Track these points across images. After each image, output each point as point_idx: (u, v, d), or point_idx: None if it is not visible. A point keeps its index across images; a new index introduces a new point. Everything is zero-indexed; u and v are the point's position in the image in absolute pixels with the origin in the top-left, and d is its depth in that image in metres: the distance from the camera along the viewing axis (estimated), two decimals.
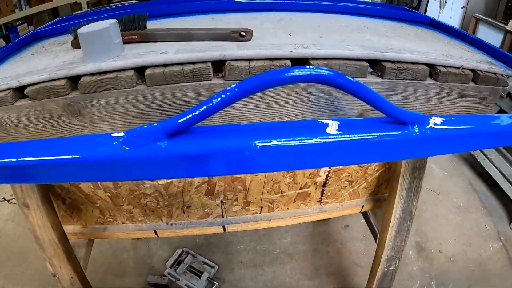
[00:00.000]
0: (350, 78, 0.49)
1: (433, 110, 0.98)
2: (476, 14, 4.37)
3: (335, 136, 0.50)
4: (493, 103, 1.03)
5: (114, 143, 0.46)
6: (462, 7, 4.57)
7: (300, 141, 0.48)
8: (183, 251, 2.06)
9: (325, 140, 0.50)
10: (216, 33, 0.88)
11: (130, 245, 2.15)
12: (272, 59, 0.79)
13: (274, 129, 0.53)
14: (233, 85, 0.48)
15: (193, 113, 0.47)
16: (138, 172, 0.47)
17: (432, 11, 5.37)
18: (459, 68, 0.93)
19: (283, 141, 0.48)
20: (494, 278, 1.97)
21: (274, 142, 0.48)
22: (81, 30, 0.79)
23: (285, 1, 1.32)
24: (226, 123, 0.83)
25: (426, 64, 0.90)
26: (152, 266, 2.02)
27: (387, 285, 1.55)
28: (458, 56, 1.00)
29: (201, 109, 0.46)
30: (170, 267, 1.97)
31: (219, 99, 0.47)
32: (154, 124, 0.46)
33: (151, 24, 1.01)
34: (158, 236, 1.41)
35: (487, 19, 4.18)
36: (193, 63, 0.78)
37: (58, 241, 1.19)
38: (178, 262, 2.00)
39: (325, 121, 0.54)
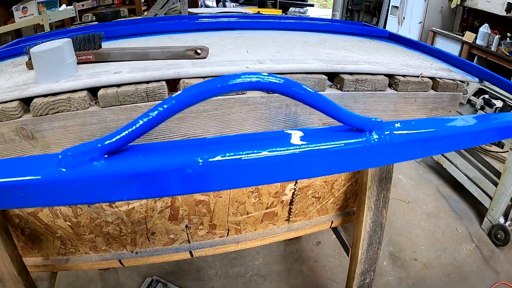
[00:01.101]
0: (301, 85, 0.47)
1: (396, 119, 0.99)
2: (433, 28, 4.59)
3: (284, 149, 0.46)
4: (454, 109, 1.05)
5: (50, 164, 0.42)
6: (420, 22, 4.79)
7: (247, 155, 0.45)
8: (152, 280, 1.96)
9: (274, 153, 0.46)
10: (172, 51, 0.85)
11: (98, 276, 2.03)
12: None
13: (221, 143, 0.50)
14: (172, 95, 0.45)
15: (130, 129, 0.42)
16: (78, 195, 0.43)
17: (391, 27, 5.62)
18: (418, 76, 0.94)
19: (228, 156, 0.44)
20: (472, 278, 1.99)
21: (218, 158, 0.44)
22: (33, 50, 0.76)
23: (245, 20, 1.32)
24: None
25: (385, 75, 0.90)
26: None
27: None
28: (417, 65, 1.02)
29: (138, 124, 0.43)
30: None
31: (156, 112, 0.43)
32: (90, 142, 0.42)
33: (109, 45, 0.99)
34: (123, 265, 1.33)
35: (444, 32, 4.41)
36: (147, 82, 0.75)
37: (18, 275, 1.12)
38: None
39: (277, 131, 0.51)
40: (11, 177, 0.42)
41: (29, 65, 0.89)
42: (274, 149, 0.46)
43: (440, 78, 0.97)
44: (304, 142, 0.48)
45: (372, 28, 1.58)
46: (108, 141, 0.42)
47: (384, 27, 5.92)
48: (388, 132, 0.51)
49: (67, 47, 0.78)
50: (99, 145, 0.42)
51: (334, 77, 0.88)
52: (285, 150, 0.47)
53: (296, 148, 0.47)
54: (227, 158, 0.44)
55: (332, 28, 1.45)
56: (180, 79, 0.76)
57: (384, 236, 2.29)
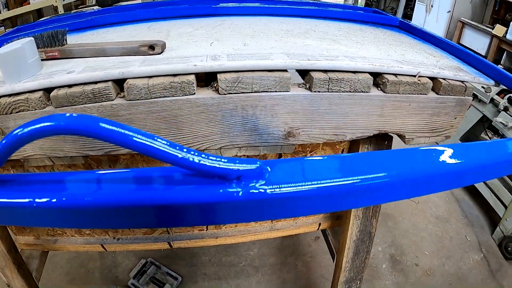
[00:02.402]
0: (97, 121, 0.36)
1: (382, 126, 0.89)
2: (462, 18, 4.28)
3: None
4: (461, 116, 0.92)
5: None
6: (448, 11, 4.49)
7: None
8: (147, 262, 1.99)
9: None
10: (126, 48, 0.83)
11: (97, 255, 2.08)
12: (174, 75, 0.72)
13: None
14: None
15: None
16: None
17: (418, 15, 5.30)
18: (415, 76, 0.84)
19: None
20: None
21: None
22: None
23: (232, 6, 1.24)
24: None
25: (370, 73, 0.80)
26: (117, 277, 1.95)
27: None
28: (417, 62, 0.91)
29: None
30: (133, 278, 1.90)
31: None
32: None
33: (81, 37, 1.00)
34: (106, 250, 1.36)
35: (473, 23, 4.10)
36: (95, 82, 0.74)
37: (8, 253, 1.19)
38: (141, 272, 1.94)
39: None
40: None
41: None
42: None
43: (443, 79, 0.85)
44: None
45: (382, 15, 1.45)
46: None
47: (411, 15, 5.57)
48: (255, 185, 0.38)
49: (28, 47, 0.79)
50: None
51: (304, 75, 0.80)
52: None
53: None
54: None
55: (334, 15, 1.35)
56: (126, 79, 0.73)
57: (388, 237, 2.20)
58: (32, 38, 0.82)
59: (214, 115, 0.74)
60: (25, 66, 0.79)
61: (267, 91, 0.74)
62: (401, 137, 0.95)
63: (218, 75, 0.71)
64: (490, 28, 3.79)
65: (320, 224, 1.38)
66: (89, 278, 1.95)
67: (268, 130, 0.80)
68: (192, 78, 0.70)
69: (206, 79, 0.79)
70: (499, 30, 3.56)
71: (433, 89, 0.86)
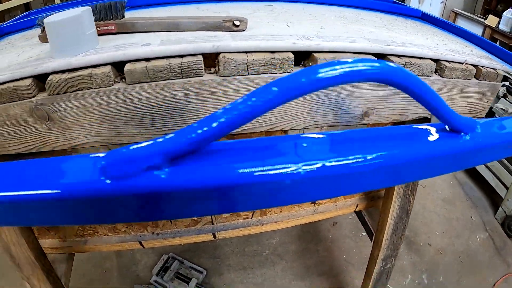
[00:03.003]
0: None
1: None
2: (455, 8, 4.44)
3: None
4: (492, 99, 1.01)
5: (87, 173, 0.29)
6: (441, 2, 4.63)
7: (355, 160, 0.36)
8: (169, 257, 1.97)
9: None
10: (206, 22, 0.78)
11: (113, 253, 2.03)
12: (272, 52, 0.71)
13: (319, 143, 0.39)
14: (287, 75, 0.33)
15: (214, 124, 0.30)
16: (125, 214, 0.30)
17: (412, 5, 5.41)
18: (462, 63, 0.89)
19: (339, 161, 0.34)
20: (483, 268, 1.98)
21: (318, 165, 0.34)
22: (48, 20, 0.67)
23: None
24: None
25: (432, 59, 0.85)
26: (137, 275, 1.92)
27: (383, 283, 1.52)
28: (459, 51, 0.97)
29: (225, 118, 0.30)
30: (157, 275, 1.87)
31: (255, 101, 0.30)
32: (147, 143, 0.29)
33: (130, 15, 0.90)
34: (143, 247, 1.32)
35: (466, 14, 4.26)
36: (181, 56, 0.68)
37: (36, 259, 1.07)
38: (164, 268, 1.91)
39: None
40: (23, 188, 0.29)
41: (43, 38, 0.82)
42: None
43: (482, 67, 0.92)
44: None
45: (404, 6, 1.51)
46: (177, 143, 0.29)
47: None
48: (479, 131, 0.45)
49: (86, 16, 0.69)
50: (161, 148, 0.29)
51: (380, 59, 0.83)
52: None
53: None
54: (334, 164, 0.35)
55: (363, 4, 1.38)
56: (219, 53, 0.69)
57: None
58: (90, 7, 0.72)
59: (308, 95, 0.75)
60: (82, 38, 0.68)
61: None
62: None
63: (316, 55, 0.72)
64: (483, 18, 3.94)
65: (357, 205, 1.42)
66: (107, 278, 1.91)
67: (349, 110, 0.82)
68: (291, 55, 0.70)
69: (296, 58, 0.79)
70: (491, 20, 3.71)
71: (474, 76, 0.92)
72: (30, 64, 0.68)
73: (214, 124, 0.30)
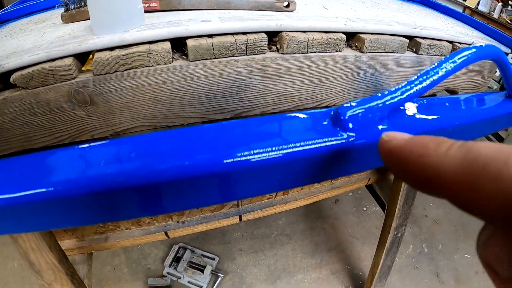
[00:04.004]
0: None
1: (448, 84, 1.02)
2: None
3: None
4: (491, 76, 1.11)
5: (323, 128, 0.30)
6: None
7: None
8: (179, 247, 1.98)
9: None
10: (258, 1, 0.79)
11: (119, 249, 2.02)
12: (327, 32, 0.75)
13: None
14: None
15: (433, 77, 0.36)
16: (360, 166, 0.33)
17: None
18: (470, 44, 0.98)
19: None
20: (477, 235, 2.13)
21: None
22: None
23: None
24: (271, 102, 0.77)
25: (448, 41, 0.92)
26: (149, 268, 1.92)
27: (394, 251, 1.61)
28: (465, 33, 1.05)
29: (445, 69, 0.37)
30: (169, 266, 1.88)
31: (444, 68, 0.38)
32: (376, 98, 0.32)
33: None
34: (168, 237, 1.32)
35: None
36: (244, 33, 0.67)
37: (59, 263, 0.99)
38: (176, 259, 1.92)
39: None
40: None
41: (67, 18, 0.77)
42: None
43: None
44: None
45: None
46: (398, 96, 0.33)
47: None
48: None
49: None
50: (386, 101, 0.32)
51: (409, 40, 0.89)
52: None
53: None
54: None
55: None
56: (280, 31, 0.72)
57: None
58: None
59: (352, 72, 0.80)
60: (132, 12, 0.63)
61: (393, 52, 0.82)
62: (455, 92, 1.09)
63: (363, 35, 0.77)
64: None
65: (369, 179, 1.49)
66: (118, 275, 1.89)
67: (382, 87, 0.88)
68: (344, 36, 0.75)
69: None
70: (471, 1, 3.85)
71: None
72: (68, 42, 0.61)
73: (424, 83, 0.36)
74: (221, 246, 2.00)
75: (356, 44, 0.79)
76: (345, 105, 0.29)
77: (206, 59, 0.66)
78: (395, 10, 1.08)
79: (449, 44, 0.91)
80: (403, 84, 0.34)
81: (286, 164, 0.26)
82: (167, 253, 1.95)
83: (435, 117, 0.39)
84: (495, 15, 3.54)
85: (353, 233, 2.09)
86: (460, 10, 4.06)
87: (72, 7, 0.78)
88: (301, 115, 0.30)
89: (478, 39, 1.03)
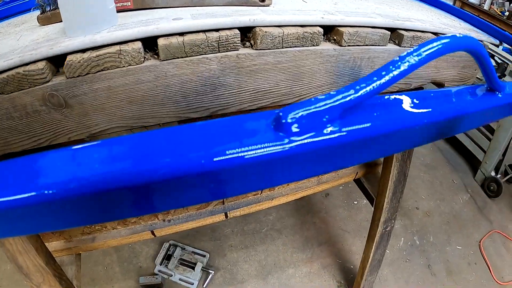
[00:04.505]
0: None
1: (434, 75, 1.01)
2: None
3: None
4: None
5: (266, 130, 0.27)
6: None
7: None
8: (170, 245, 1.97)
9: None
10: None
11: (111, 248, 2.00)
12: (303, 26, 0.73)
13: None
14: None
15: (390, 74, 0.32)
16: (300, 171, 0.30)
17: None
18: None
19: None
20: (469, 226, 2.14)
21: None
22: None
23: None
24: (247, 99, 0.75)
25: (432, 33, 0.90)
26: (140, 266, 1.91)
27: (384, 245, 1.61)
28: (451, 24, 1.04)
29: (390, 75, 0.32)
30: (160, 264, 1.88)
31: (409, 61, 0.34)
32: (326, 98, 0.29)
33: None
34: (155, 236, 1.30)
35: None
36: (217, 30, 0.66)
37: (46, 265, 1.00)
38: (167, 257, 1.91)
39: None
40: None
41: (43, 20, 0.76)
42: None
43: None
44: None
45: None
46: (351, 95, 0.30)
47: None
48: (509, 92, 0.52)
49: None
50: (336, 100, 0.29)
51: (391, 32, 0.88)
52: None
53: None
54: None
55: None
56: (253, 27, 0.69)
57: None
58: None
59: (331, 66, 0.78)
60: (104, 13, 0.61)
61: (374, 45, 0.81)
62: (441, 85, 1.08)
63: (341, 28, 0.75)
64: None
65: (357, 173, 1.48)
66: (110, 275, 1.88)
67: None
68: (321, 29, 0.73)
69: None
70: None
71: None
72: (41, 45, 0.60)
73: (383, 79, 0.32)
74: (212, 242, 1.99)
75: (335, 37, 0.77)
76: (290, 107, 0.27)
77: (178, 57, 0.64)
78: (378, 2, 1.06)
79: (434, 36, 0.90)
80: (358, 82, 0.32)
81: (221, 173, 0.24)
82: (158, 251, 1.95)
83: (400, 115, 0.37)
84: (486, 6, 3.53)
85: (344, 227, 2.09)
86: (450, 2, 4.03)
87: (47, 9, 0.76)
88: (242, 118, 0.28)
89: (465, 30, 1.01)
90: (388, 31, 0.83)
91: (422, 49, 0.36)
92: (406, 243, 2.04)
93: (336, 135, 0.28)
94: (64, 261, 1.25)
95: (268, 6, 0.79)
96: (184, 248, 1.96)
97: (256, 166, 0.25)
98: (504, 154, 2.33)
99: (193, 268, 1.84)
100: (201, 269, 1.84)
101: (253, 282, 1.82)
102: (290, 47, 0.72)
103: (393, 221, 1.56)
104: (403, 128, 0.34)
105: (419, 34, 0.86)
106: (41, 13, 0.77)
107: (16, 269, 0.98)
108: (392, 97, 0.42)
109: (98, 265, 1.93)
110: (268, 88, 0.76)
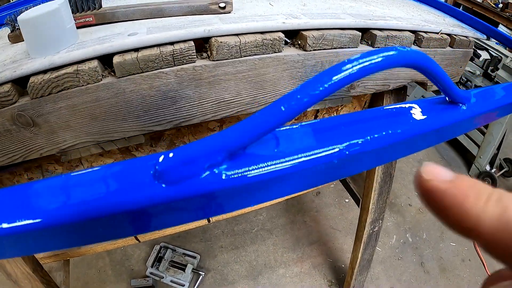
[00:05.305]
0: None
1: (414, 75, 0.98)
2: None
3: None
4: (465, 65, 1.07)
5: (142, 179, 0.26)
6: None
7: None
8: (161, 247, 1.97)
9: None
10: (192, 6, 0.76)
11: (104, 252, 2.01)
12: (263, 32, 0.71)
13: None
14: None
15: (280, 111, 0.26)
16: (183, 216, 0.27)
17: None
18: (437, 33, 0.93)
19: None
20: None
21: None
22: (21, 17, 0.61)
23: None
24: (210, 110, 0.74)
25: (410, 31, 0.88)
26: (132, 269, 1.91)
27: (373, 245, 1.60)
28: (433, 21, 1.01)
29: (287, 106, 0.26)
30: (151, 266, 1.88)
31: (310, 93, 0.27)
32: (207, 141, 0.26)
33: (105, 3, 0.84)
34: (139, 241, 1.31)
35: None
36: (172, 43, 0.66)
37: (33, 273, 1.03)
38: (158, 259, 1.92)
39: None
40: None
41: (13, 38, 0.76)
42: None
43: (455, 35, 0.96)
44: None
45: None
46: (240, 137, 0.26)
47: None
48: (475, 102, 0.48)
49: (64, 9, 0.63)
50: (220, 143, 0.25)
51: (363, 33, 0.85)
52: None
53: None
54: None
55: None
56: (210, 37, 0.68)
57: None
58: None
59: (297, 72, 0.76)
60: (62, 33, 0.63)
61: (343, 48, 0.78)
62: (424, 85, 1.05)
63: (305, 32, 0.73)
64: None
65: None
66: (103, 278, 1.89)
67: None
68: (282, 35, 0.71)
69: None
70: None
71: (449, 44, 0.97)
72: (6, 68, 0.62)
73: (280, 112, 0.27)
74: (202, 244, 1.99)
75: (299, 42, 0.76)
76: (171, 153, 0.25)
77: (134, 74, 0.64)
78: (354, 0, 1.04)
79: (412, 34, 0.87)
80: (251, 117, 0.28)
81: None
82: (149, 253, 1.95)
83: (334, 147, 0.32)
84: None
85: (335, 226, 2.08)
86: None
87: (17, 27, 0.76)
88: (117, 167, 0.26)
89: (448, 26, 0.98)
90: (360, 31, 0.81)
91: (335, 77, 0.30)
92: (398, 240, 2.03)
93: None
94: (53, 267, 1.29)
95: (229, 12, 0.77)
96: (175, 250, 1.96)
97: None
98: (498, 148, 2.30)
99: (184, 270, 1.84)
100: (192, 271, 1.84)
101: (243, 282, 1.82)
102: (250, 55, 0.70)
103: (380, 221, 1.54)
104: (299, 170, 0.30)
105: (394, 33, 0.84)
106: (11, 32, 0.77)
107: (5, 276, 1.01)
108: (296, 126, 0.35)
109: (91, 268, 1.93)
110: (230, 98, 0.74)
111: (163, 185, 0.25)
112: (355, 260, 1.63)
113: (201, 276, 1.83)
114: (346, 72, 0.28)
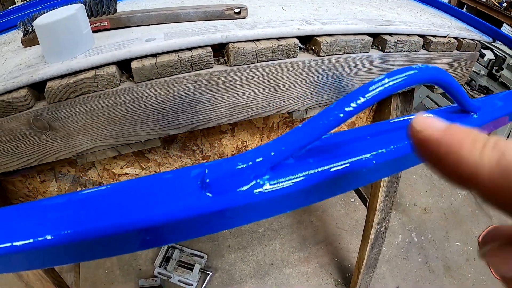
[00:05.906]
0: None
1: None
2: None
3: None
4: (471, 67, 1.08)
5: (189, 190, 0.27)
6: None
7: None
8: (169, 247, 1.99)
9: None
10: (208, 12, 0.77)
11: None
12: (279, 38, 0.72)
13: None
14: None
15: (324, 120, 0.29)
16: (226, 223, 0.29)
17: None
18: (445, 37, 0.95)
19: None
20: (468, 222, 2.13)
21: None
22: (38, 22, 0.61)
23: None
24: (225, 114, 0.75)
25: (419, 35, 0.89)
26: (140, 269, 1.93)
27: (379, 245, 1.61)
28: (441, 24, 1.02)
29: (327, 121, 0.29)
30: (159, 266, 1.90)
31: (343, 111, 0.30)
32: (252, 154, 0.27)
33: (120, 8, 0.85)
34: None
35: None
36: (190, 49, 0.67)
37: (45, 274, 1.03)
38: (166, 259, 1.93)
39: None
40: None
41: (26, 42, 0.77)
42: None
43: (463, 39, 0.98)
44: None
45: None
46: (282, 151, 0.28)
47: None
48: (484, 111, 0.51)
49: (81, 14, 0.64)
50: (260, 158, 0.27)
51: (374, 38, 0.87)
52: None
53: None
54: None
55: None
56: (227, 43, 0.70)
57: None
58: (82, 4, 0.66)
59: (311, 77, 0.78)
60: (79, 38, 0.63)
61: (354, 53, 0.80)
62: (432, 87, 1.07)
63: (319, 38, 0.75)
64: None
65: None
66: (111, 278, 1.90)
67: (347, 88, 0.86)
68: (297, 41, 0.72)
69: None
70: None
71: (456, 47, 0.98)
72: (23, 73, 0.63)
73: (319, 126, 0.30)
74: (210, 243, 2.01)
75: (313, 47, 0.77)
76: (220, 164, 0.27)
77: (152, 79, 0.66)
78: (363, 4, 1.05)
79: (421, 38, 0.89)
80: (288, 134, 0.29)
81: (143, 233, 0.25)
82: (157, 253, 1.97)
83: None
84: None
85: (341, 225, 2.09)
86: None
87: (29, 30, 0.77)
88: (168, 175, 0.28)
89: (455, 30, 1.00)
90: (371, 37, 0.82)
91: (370, 88, 0.33)
92: (404, 240, 2.04)
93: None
94: (63, 268, 1.28)
95: (244, 18, 0.79)
96: (183, 250, 1.97)
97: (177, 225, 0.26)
98: None
99: (192, 270, 1.86)
100: (200, 271, 1.86)
101: (250, 282, 1.83)
102: (266, 61, 0.71)
103: (387, 221, 1.56)
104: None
105: (404, 38, 0.85)
106: (24, 35, 0.77)
107: (17, 277, 1.01)
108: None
109: (99, 268, 1.95)
110: (245, 102, 0.76)
111: (210, 195, 0.26)
112: (362, 260, 1.64)
113: (208, 276, 1.85)
114: (374, 92, 0.31)
